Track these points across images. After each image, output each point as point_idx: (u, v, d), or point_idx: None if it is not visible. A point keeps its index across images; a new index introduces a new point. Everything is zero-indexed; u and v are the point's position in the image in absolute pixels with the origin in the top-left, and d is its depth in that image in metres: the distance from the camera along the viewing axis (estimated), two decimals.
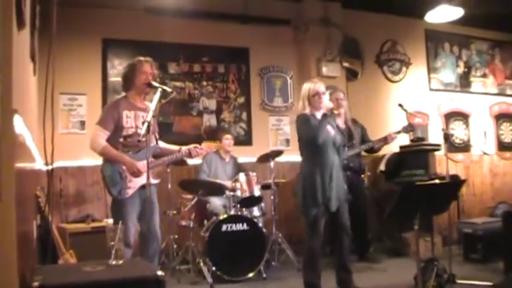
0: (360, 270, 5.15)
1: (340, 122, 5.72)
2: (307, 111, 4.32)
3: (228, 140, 6.14)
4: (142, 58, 4.12)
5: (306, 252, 4.30)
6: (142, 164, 3.86)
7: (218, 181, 5.68)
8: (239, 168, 6.11)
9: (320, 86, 4.34)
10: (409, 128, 6.06)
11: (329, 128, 4.30)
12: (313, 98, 4.31)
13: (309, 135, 4.23)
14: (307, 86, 4.40)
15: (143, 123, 3.60)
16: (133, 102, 4.09)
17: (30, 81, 3.77)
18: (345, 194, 4.36)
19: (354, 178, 5.78)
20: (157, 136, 4.24)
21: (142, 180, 3.89)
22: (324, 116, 4.22)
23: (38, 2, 3.72)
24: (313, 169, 4.20)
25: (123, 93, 4.20)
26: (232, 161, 6.21)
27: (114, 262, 2.47)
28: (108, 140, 3.94)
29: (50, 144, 2.68)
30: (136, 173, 3.92)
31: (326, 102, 4.26)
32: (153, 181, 4.02)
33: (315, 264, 4.24)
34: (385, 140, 5.96)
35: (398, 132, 5.95)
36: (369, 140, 6.07)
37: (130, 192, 3.91)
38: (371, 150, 6.13)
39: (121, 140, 3.94)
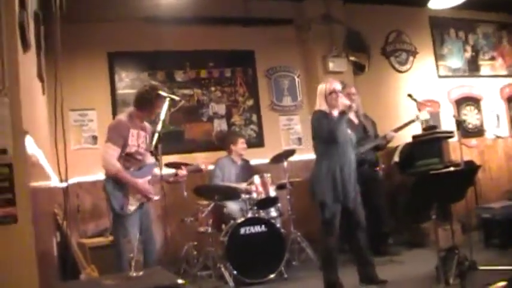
0: (380, 263, 5.12)
1: (353, 117, 5.72)
2: (324, 108, 4.32)
3: (243, 144, 6.16)
4: (163, 94, 4.05)
5: (322, 252, 4.31)
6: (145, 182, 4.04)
7: (233, 185, 5.70)
8: (252, 170, 6.12)
9: (336, 84, 4.35)
10: (417, 118, 5.93)
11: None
12: (330, 96, 4.29)
13: (327, 134, 4.22)
14: (322, 86, 4.40)
15: (153, 133, 3.62)
16: (137, 121, 4.09)
17: (40, 101, 3.82)
18: (356, 190, 4.36)
19: (370, 171, 5.75)
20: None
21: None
22: (342, 113, 4.22)
23: (41, 23, 3.76)
24: (333, 166, 4.20)
25: (130, 108, 4.18)
26: (244, 163, 6.22)
27: (134, 274, 2.48)
28: None
29: (63, 161, 2.70)
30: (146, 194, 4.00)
31: (343, 100, 4.25)
32: (155, 197, 4.10)
33: (332, 263, 4.24)
34: (385, 138, 5.89)
35: (407, 124, 5.88)
36: (377, 136, 6.01)
37: (132, 208, 3.91)
38: (376, 148, 6.05)
39: (123, 155, 3.94)
